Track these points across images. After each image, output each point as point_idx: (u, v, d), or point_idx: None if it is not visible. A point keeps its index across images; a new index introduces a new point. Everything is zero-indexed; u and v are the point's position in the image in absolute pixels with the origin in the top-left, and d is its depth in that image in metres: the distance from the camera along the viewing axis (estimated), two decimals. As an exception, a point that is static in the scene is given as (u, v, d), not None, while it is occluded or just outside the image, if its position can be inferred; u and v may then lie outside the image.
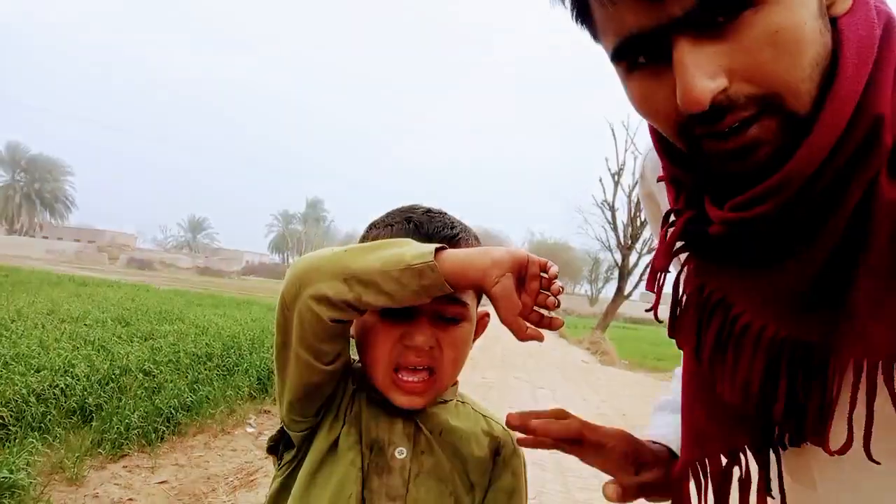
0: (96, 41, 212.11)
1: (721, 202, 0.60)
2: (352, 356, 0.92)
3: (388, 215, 0.96)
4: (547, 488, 4.39)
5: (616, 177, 22.37)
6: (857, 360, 0.54)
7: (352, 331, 0.91)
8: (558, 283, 0.78)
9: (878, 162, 0.54)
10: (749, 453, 0.68)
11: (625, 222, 22.38)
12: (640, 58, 0.57)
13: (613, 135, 22.30)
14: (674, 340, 0.71)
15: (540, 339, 0.78)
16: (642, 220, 20.13)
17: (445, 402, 0.96)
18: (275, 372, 0.88)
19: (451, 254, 0.77)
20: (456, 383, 0.99)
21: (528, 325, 0.76)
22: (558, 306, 0.78)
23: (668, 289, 0.73)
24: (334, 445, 0.88)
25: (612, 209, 22.70)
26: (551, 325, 0.78)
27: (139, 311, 9.60)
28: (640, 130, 19.42)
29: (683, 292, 0.68)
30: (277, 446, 0.95)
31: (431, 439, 0.91)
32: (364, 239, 0.95)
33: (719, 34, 0.52)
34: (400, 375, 0.87)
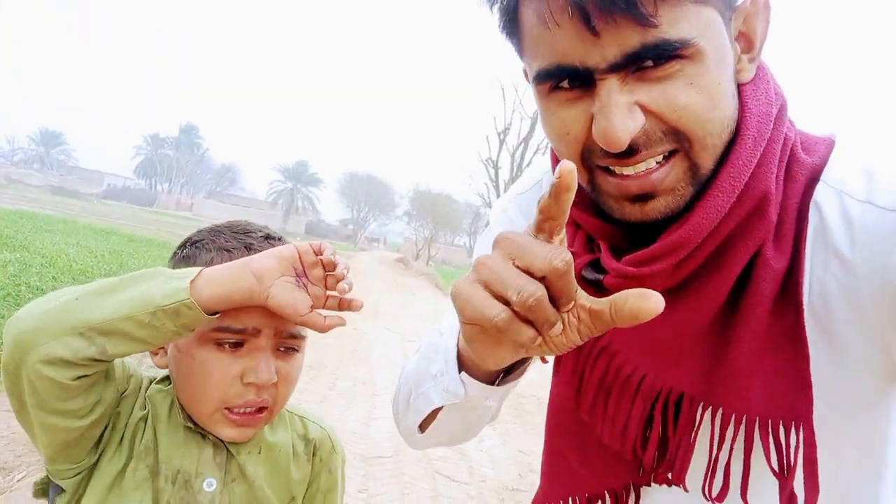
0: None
1: (618, 253, 0.62)
2: (135, 373, 0.83)
3: (198, 233, 0.87)
4: None
5: (502, 136, 22.78)
6: (736, 414, 0.59)
7: (157, 361, 0.83)
8: (341, 263, 0.75)
9: (762, 234, 0.59)
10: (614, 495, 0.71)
11: (507, 180, 22.91)
12: (564, 82, 0.58)
13: (503, 94, 22.57)
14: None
15: (342, 324, 0.76)
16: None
17: None
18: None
19: (209, 278, 0.70)
20: None
21: (326, 313, 0.75)
22: (350, 288, 0.76)
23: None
24: (118, 484, 0.78)
25: (496, 167, 23.20)
26: (350, 306, 0.77)
27: (-27, 232, 8.54)
28: (528, 93, 19.77)
29: None
30: (47, 489, 0.81)
31: (244, 464, 0.85)
32: (176, 255, 0.86)
33: (643, 76, 0.55)
34: (232, 412, 0.79)
